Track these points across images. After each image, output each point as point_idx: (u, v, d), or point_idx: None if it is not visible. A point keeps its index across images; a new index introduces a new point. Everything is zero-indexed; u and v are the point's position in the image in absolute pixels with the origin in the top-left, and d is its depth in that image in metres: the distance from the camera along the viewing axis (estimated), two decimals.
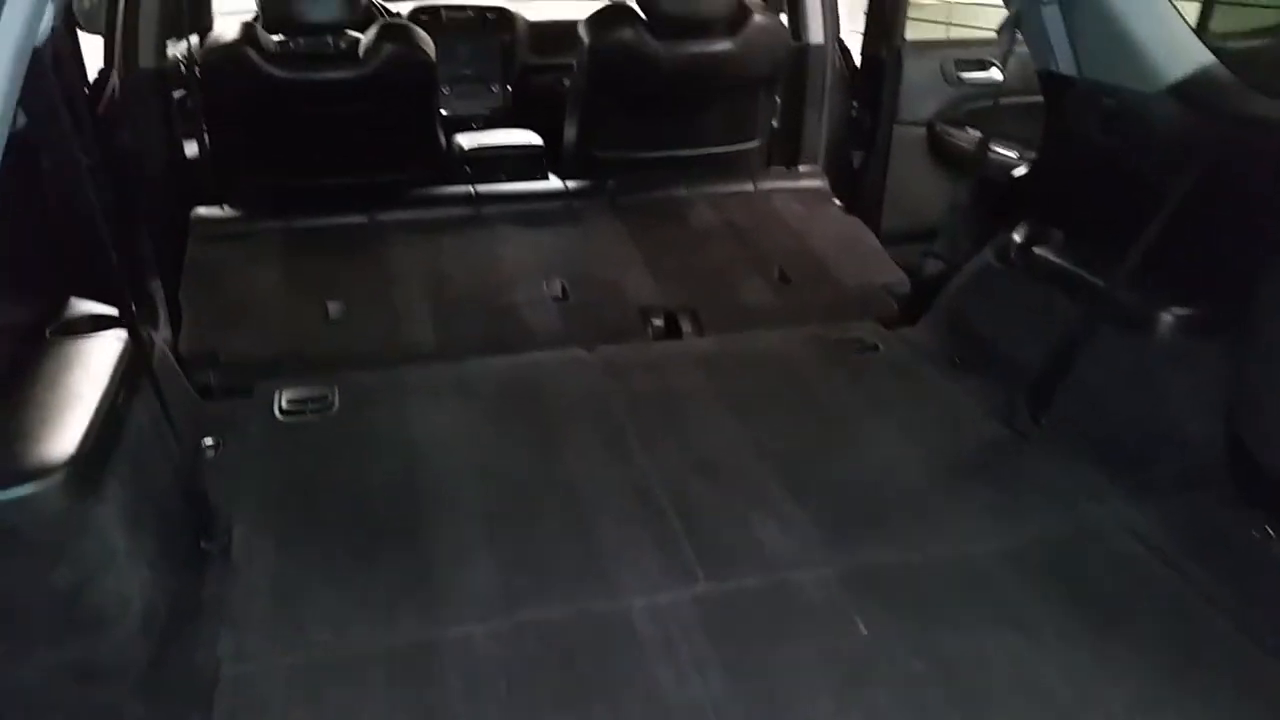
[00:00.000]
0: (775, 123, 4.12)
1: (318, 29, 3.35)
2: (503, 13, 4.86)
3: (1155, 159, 2.40)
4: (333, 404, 2.54)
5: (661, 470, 2.29)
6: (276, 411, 2.51)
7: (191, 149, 3.65)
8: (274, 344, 2.83)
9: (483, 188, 3.63)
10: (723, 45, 3.64)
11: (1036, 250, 2.69)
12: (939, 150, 3.84)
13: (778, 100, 4.08)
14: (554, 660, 1.75)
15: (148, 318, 2.59)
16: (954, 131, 3.77)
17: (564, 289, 3.13)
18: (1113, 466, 2.28)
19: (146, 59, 3.36)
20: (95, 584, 1.70)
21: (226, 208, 3.41)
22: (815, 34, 3.98)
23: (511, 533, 2.07)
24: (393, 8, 4.83)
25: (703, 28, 3.62)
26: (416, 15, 4.86)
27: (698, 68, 3.67)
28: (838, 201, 3.80)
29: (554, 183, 3.75)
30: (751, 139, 3.95)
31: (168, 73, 3.47)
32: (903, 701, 1.67)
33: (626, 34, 3.56)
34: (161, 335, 2.82)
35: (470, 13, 4.88)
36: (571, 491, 2.21)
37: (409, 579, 1.94)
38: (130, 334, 2.13)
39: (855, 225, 3.63)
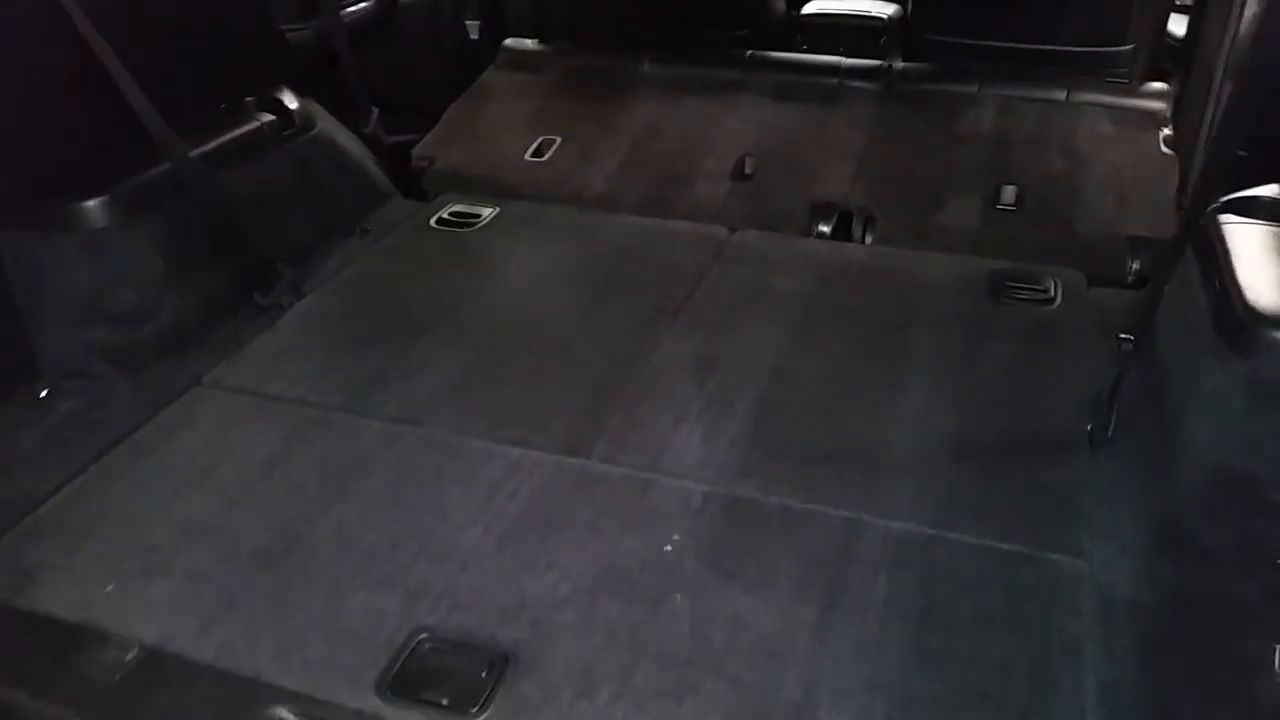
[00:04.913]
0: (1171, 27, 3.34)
1: None
2: None
3: None
4: (478, 224, 2.83)
5: (651, 361, 2.22)
6: (435, 219, 2.86)
7: None
8: (481, 164, 3.16)
9: (757, 53, 3.50)
10: None
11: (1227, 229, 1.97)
12: None
13: None
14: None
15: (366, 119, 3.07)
16: None
17: (755, 168, 3.00)
18: None
19: None
20: (121, 290, 2.22)
21: (537, 43, 3.74)
22: None
23: (482, 373, 2.21)
24: None
25: None
26: None
27: None
28: (1168, 131, 3.02)
29: (832, 59, 3.47)
30: (1112, 43, 3.25)
31: None
32: None
33: None
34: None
35: None
36: (552, 358, 2.24)
37: (374, 373, 2.19)
38: (283, 116, 2.62)
39: (1162, 165, 2.86)
